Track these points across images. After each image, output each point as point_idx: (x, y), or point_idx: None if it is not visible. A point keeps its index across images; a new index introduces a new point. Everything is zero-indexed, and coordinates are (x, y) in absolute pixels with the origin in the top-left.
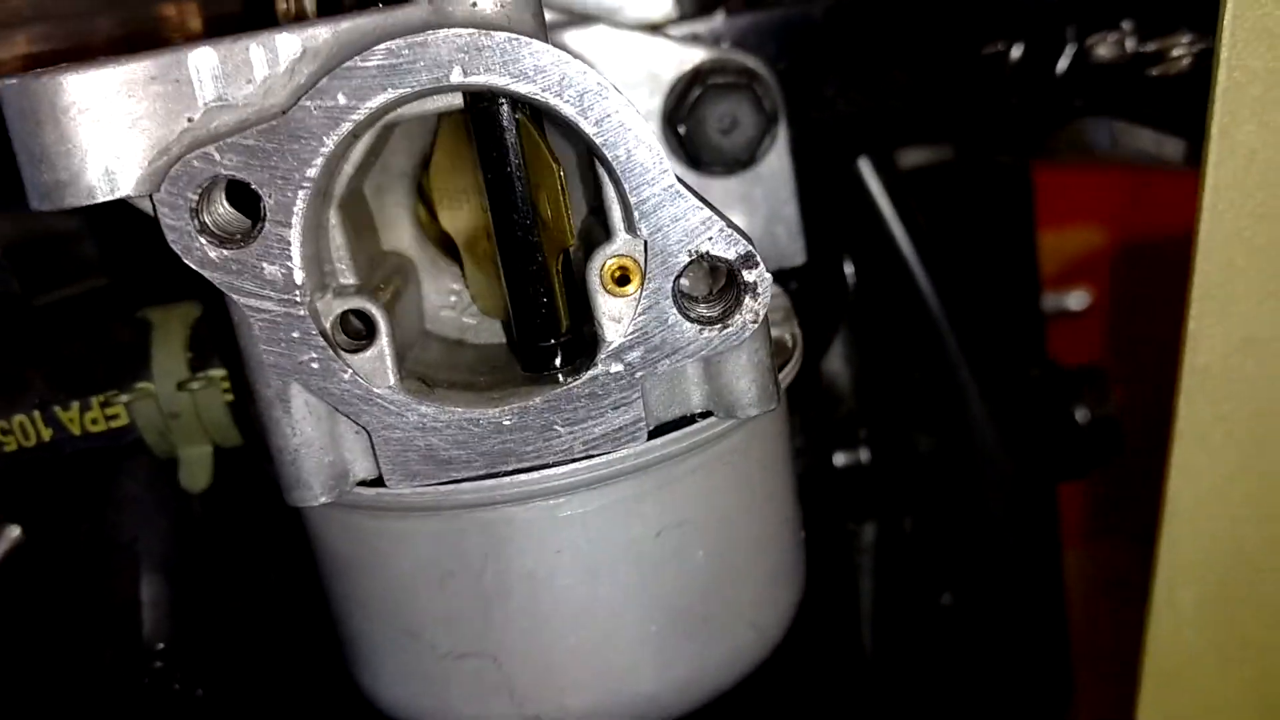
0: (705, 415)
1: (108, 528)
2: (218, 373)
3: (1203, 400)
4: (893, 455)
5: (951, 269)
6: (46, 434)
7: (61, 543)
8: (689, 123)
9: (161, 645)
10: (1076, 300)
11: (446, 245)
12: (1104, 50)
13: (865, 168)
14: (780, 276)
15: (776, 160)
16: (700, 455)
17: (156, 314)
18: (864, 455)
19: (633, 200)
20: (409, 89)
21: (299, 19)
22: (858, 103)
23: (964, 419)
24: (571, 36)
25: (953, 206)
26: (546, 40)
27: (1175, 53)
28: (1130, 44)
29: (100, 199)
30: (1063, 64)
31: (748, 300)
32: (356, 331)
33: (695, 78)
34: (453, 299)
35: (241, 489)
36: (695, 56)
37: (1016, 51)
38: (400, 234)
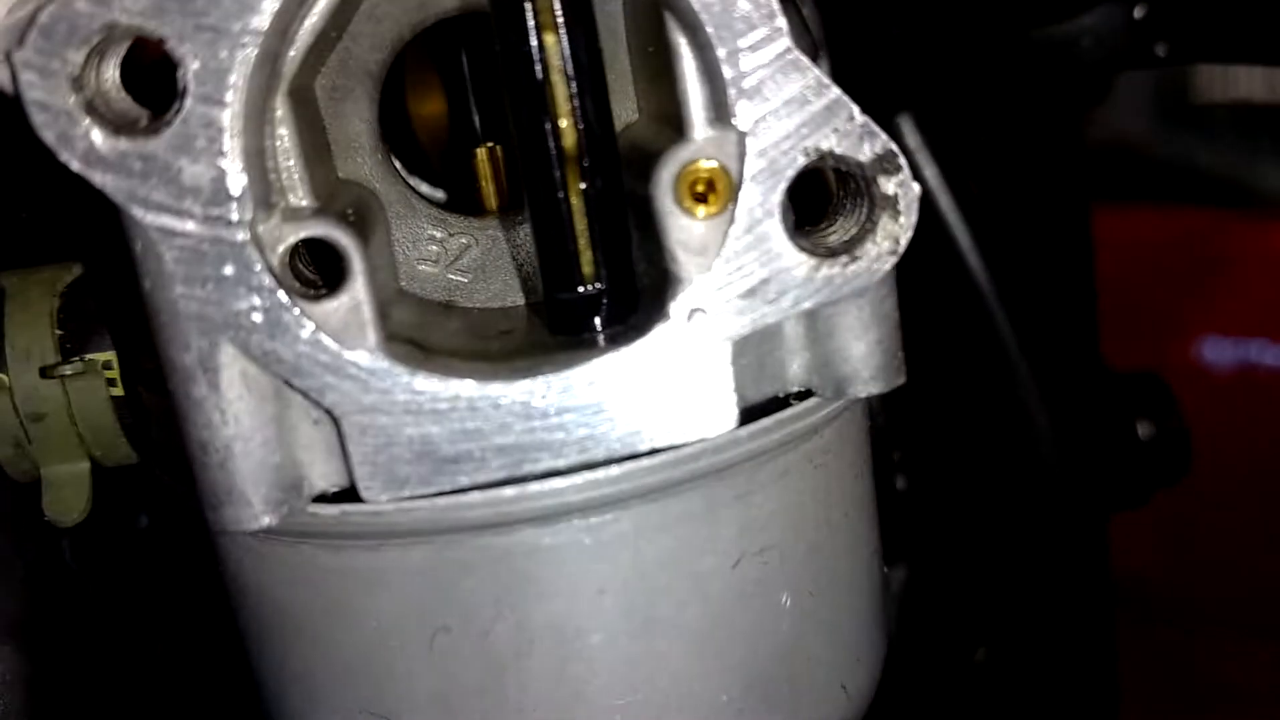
0: (801, 396)
1: None
2: (100, 356)
3: None
4: (932, 483)
5: (1003, 247)
6: None
7: None
8: None
9: None
10: None
11: (425, 173)
12: None
13: (907, 126)
14: None
15: None
16: (791, 454)
17: (12, 280)
18: (899, 482)
19: (728, 72)
20: None
21: None
22: (908, 38)
23: (1018, 435)
24: None
25: (1004, 181)
26: None
27: None
28: None
29: None
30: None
31: (885, 220)
32: (311, 282)
33: None
34: (434, 249)
35: (130, 520)
36: None
37: None
38: (361, 158)
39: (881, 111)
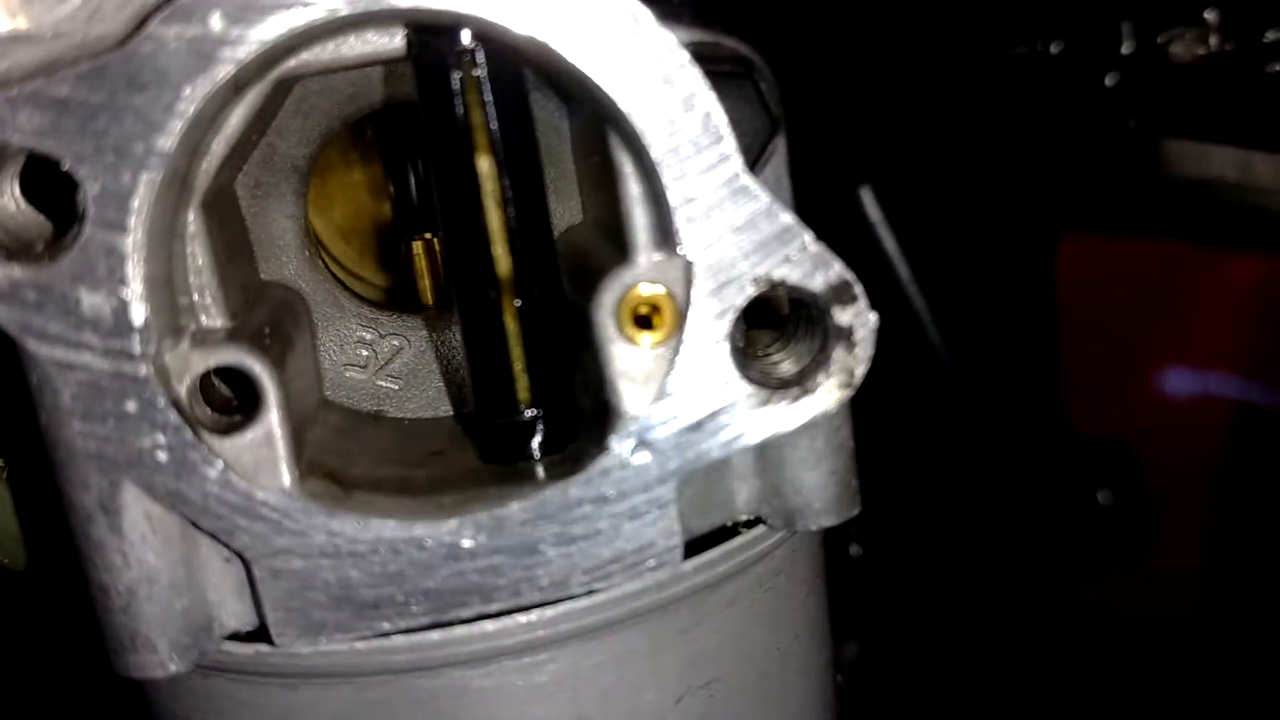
0: (750, 524)
1: None
2: None
3: None
4: (889, 549)
5: (962, 315)
6: None
7: None
8: None
9: None
10: None
11: (354, 273)
12: (1180, 49)
13: (867, 198)
14: None
15: (773, 178)
16: (739, 581)
17: None
18: (854, 549)
19: (674, 197)
20: (325, 13)
21: None
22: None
23: (972, 500)
24: None
25: (967, 252)
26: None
27: None
28: (1215, 41)
29: None
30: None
31: (839, 352)
32: (225, 402)
33: None
34: (363, 353)
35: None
36: (677, 37)
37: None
38: (286, 257)
39: (842, 184)
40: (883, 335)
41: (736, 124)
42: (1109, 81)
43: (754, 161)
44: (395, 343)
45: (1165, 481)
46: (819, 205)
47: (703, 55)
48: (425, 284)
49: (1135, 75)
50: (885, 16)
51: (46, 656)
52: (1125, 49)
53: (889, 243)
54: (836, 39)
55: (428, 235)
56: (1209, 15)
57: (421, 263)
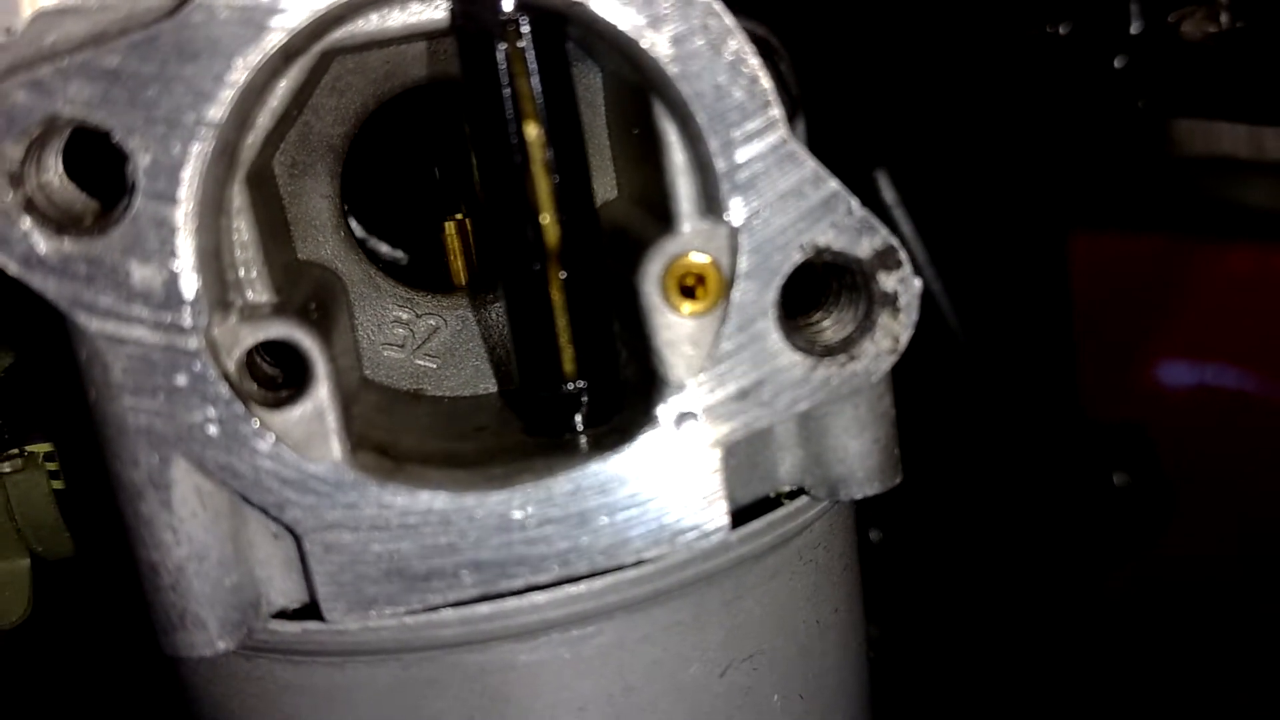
0: (793, 495)
1: None
2: (40, 448)
3: None
4: (909, 535)
5: (978, 299)
6: None
7: None
8: None
9: None
10: None
11: (389, 256)
12: (1191, 28)
13: (884, 182)
14: None
15: None
16: (781, 553)
17: None
18: (873, 535)
19: (721, 165)
20: None
21: None
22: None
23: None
24: None
25: (982, 237)
26: None
27: None
28: (1225, 19)
29: None
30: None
31: (884, 318)
32: (271, 379)
33: None
34: (400, 332)
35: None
36: None
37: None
38: (323, 237)
39: (859, 168)
40: None
41: None
42: (1118, 63)
43: None
44: (431, 322)
45: (1175, 468)
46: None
47: None
48: (458, 264)
49: (1145, 55)
50: (897, 2)
51: (86, 645)
52: (1134, 29)
53: (905, 226)
54: (851, 24)
55: (459, 216)
56: None
57: (455, 243)
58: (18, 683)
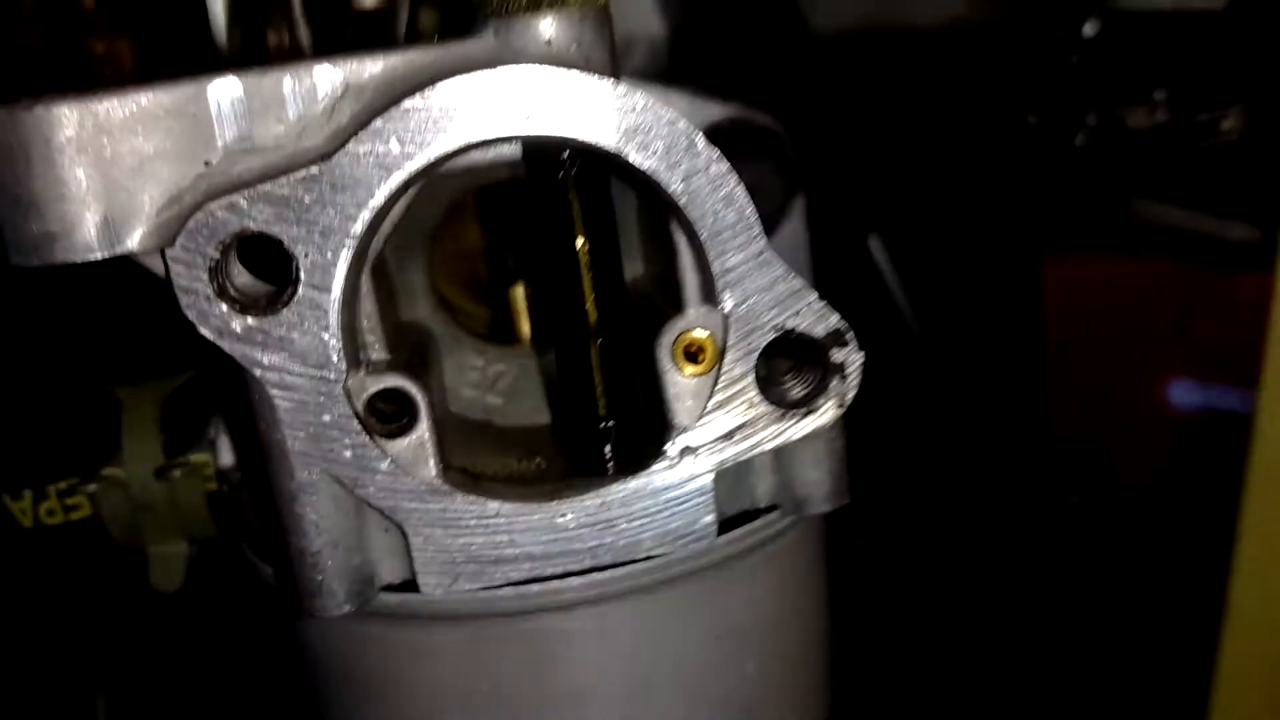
0: (768, 509)
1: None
2: (199, 459)
3: (1269, 501)
4: (890, 543)
5: (958, 347)
6: None
7: None
8: None
9: None
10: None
11: (467, 314)
12: (1136, 118)
13: (875, 245)
14: None
15: (793, 231)
16: (759, 554)
17: (126, 391)
18: (859, 542)
19: (716, 268)
20: (474, 137)
21: (293, 54)
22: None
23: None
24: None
25: (963, 285)
26: (621, 80)
27: (1225, 125)
28: (1162, 115)
29: (99, 255)
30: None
31: (835, 382)
32: (387, 416)
33: (714, 136)
34: (475, 376)
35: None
36: (713, 112)
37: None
38: (419, 303)
39: (854, 233)
40: (884, 356)
41: (763, 188)
42: (1079, 141)
43: (779, 218)
44: (500, 368)
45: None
46: (833, 251)
47: (736, 127)
48: (522, 323)
49: (1101, 140)
50: (890, 97)
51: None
52: (1090, 120)
53: (892, 280)
54: (855, 112)
55: (522, 285)
56: (1158, 94)
57: (519, 306)
58: (176, 634)
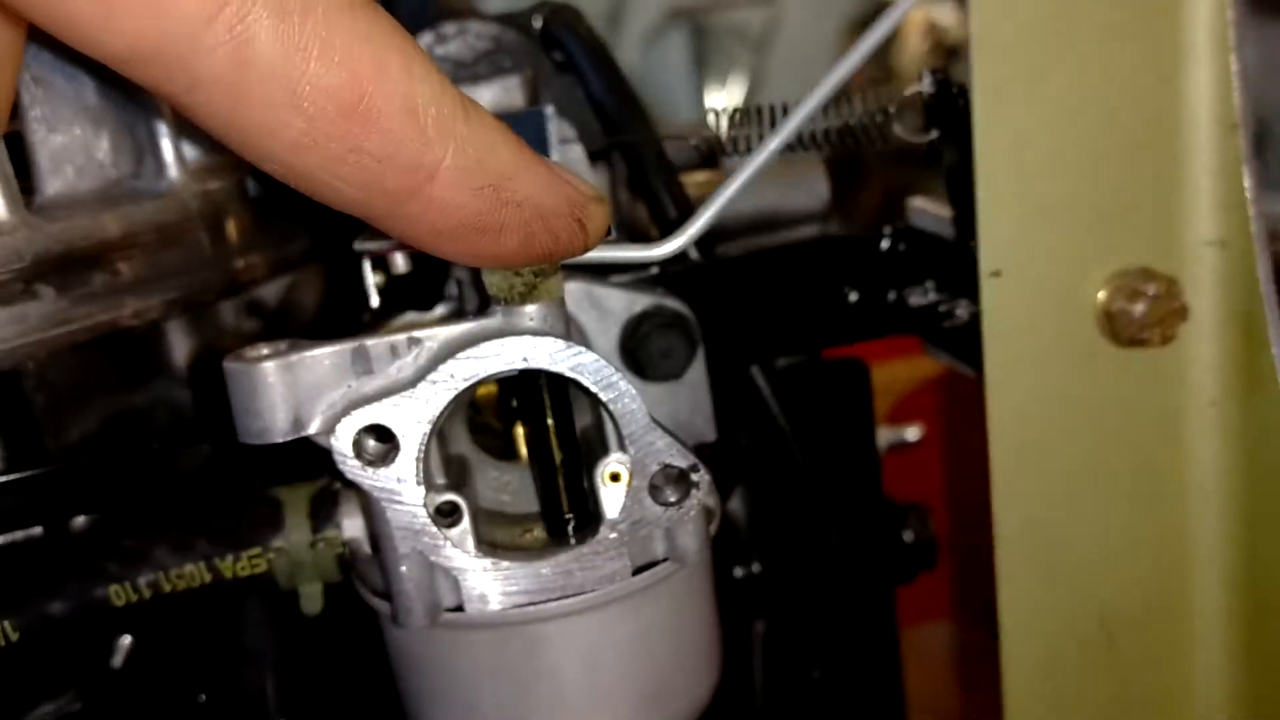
0: (664, 560)
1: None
2: (332, 534)
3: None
4: (777, 568)
5: (814, 443)
6: (207, 578)
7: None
8: (638, 349)
9: None
10: (912, 433)
11: (491, 450)
12: (915, 298)
13: (756, 373)
14: (699, 450)
15: (696, 373)
16: (663, 585)
17: (284, 492)
18: (755, 568)
19: (624, 433)
20: (495, 370)
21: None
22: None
23: (825, 543)
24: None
25: (810, 399)
26: (571, 337)
27: (959, 311)
28: (932, 297)
29: (288, 437)
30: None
31: (694, 492)
32: (445, 512)
33: (642, 318)
34: (494, 482)
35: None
36: (642, 302)
37: (854, 296)
38: (460, 441)
39: (740, 364)
40: (767, 454)
41: (674, 351)
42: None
43: (686, 366)
44: (509, 477)
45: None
46: (727, 379)
47: (655, 312)
48: (522, 449)
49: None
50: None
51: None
52: (891, 295)
53: (770, 399)
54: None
55: (521, 426)
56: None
57: (520, 439)
58: (315, 649)
